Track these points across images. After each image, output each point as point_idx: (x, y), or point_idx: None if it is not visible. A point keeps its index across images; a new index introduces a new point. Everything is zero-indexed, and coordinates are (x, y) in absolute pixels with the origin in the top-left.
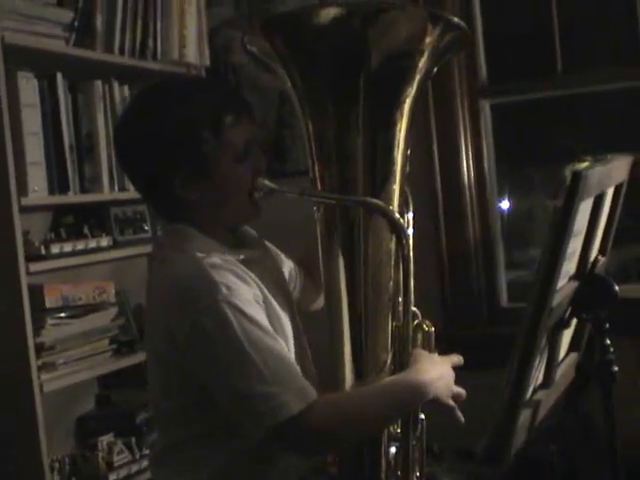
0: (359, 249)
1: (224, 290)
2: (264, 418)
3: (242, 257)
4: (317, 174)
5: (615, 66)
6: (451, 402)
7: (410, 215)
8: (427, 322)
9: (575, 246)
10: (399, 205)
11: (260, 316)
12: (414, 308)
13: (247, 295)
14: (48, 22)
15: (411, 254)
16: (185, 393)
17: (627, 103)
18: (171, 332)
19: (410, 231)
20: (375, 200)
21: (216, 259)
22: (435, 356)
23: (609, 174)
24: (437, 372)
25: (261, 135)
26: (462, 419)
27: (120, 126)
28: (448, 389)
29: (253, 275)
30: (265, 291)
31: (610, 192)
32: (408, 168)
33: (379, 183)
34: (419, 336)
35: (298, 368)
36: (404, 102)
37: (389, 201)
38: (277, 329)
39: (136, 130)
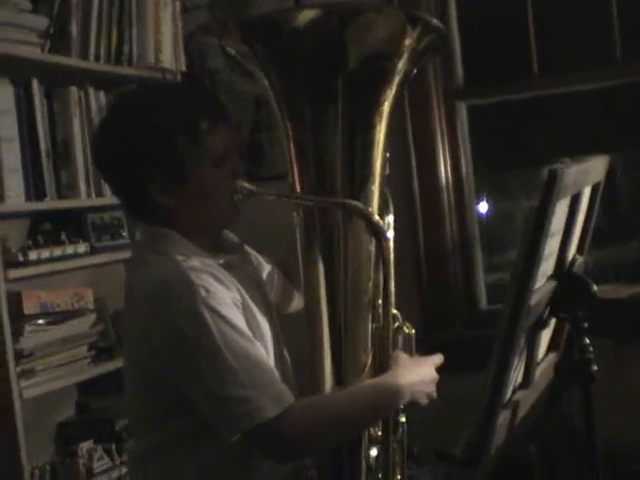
0: (339, 252)
1: (203, 293)
2: (240, 421)
3: (222, 261)
4: (296, 176)
5: (591, 67)
6: (426, 402)
7: (391, 218)
8: (408, 324)
9: (552, 246)
10: (378, 207)
11: (238, 319)
12: (395, 310)
13: (226, 298)
14: (23, 29)
15: (391, 257)
16: (163, 395)
17: (603, 104)
18: (148, 334)
19: (390, 234)
20: (354, 202)
21: (196, 262)
22: (416, 358)
23: (586, 173)
24: (416, 375)
25: (238, 139)
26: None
27: (97, 134)
28: (427, 391)
29: (233, 279)
30: (245, 295)
31: (587, 192)
32: (388, 170)
33: (358, 185)
34: (400, 339)
35: (276, 372)
36: (383, 104)
37: (368, 203)
38: (256, 333)
39: (113, 138)
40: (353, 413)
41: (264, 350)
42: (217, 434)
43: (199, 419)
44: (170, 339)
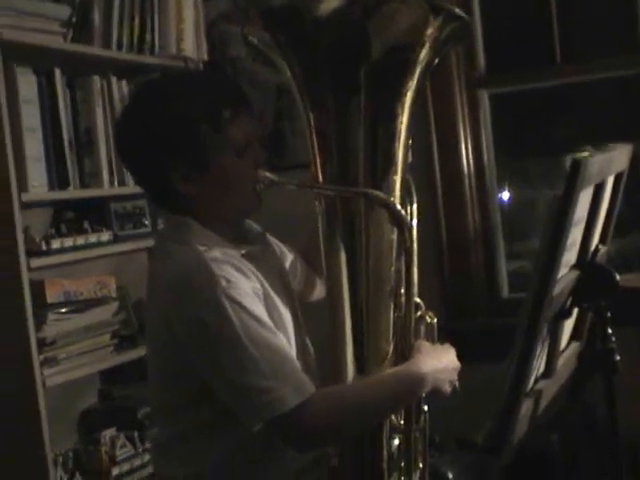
0: (360, 240)
1: (224, 283)
2: (261, 411)
3: (243, 252)
4: (319, 166)
5: (614, 54)
6: (449, 390)
7: (414, 206)
8: (430, 313)
9: (575, 235)
10: (401, 196)
11: (259, 309)
12: (418, 299)
13: (247, 288)
14: (46, 18)
15: (415, 245)
16: (184, 384)
17: (627, 92)
18: (171, 324)
19: (414, 222)
20: (376, 192)
21: (217, 252)
22: (439, 346)
23: (609, 163)
24: (439, 362)
25: (260, 128)
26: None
27: (120, 122)
28: (450, 378)
29: (254, 269)
30: (266, 285)
31: (610, 181)
32: (410, 158)
33: (380, 175)
34: (422, 328)
35: (297, 362)
36: (405, 94)
37: (390, 192)
38: (277, 323)
39: (135, 126)
40: (375, 402)
41: (286, 340)
42: (238, 423)
43: (221, 408)
44: (192, 329)
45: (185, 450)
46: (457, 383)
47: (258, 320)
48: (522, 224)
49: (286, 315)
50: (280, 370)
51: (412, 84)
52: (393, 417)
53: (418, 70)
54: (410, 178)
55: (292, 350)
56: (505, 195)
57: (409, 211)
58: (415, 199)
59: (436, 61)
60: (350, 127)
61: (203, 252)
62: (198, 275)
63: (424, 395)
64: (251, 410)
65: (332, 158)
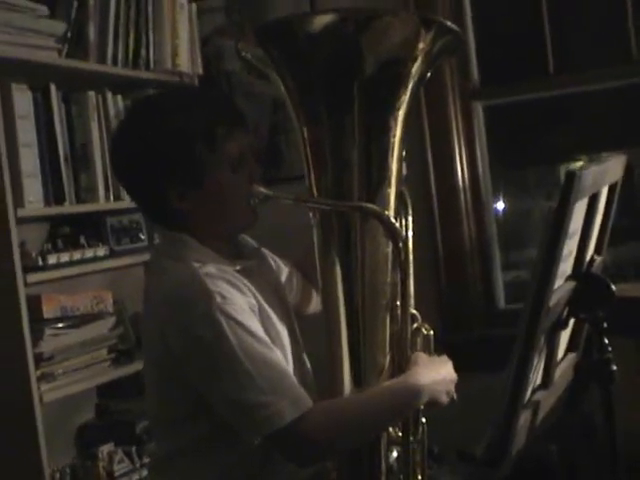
0: (356, 254)
1: (219, 299)
2: (260, 426)
3: (239, 267)
4: (313, 179)
5: (606, 65)
6: (446, 402)
7: (410, 218)
8: (426, 325)
9: (571, 246)
10: (395, 209)
11: (255, 325)
12: (414, 311)
13: (242, 304)
14: (41, 34)
15: (410, 257)
16: (181, 399)
17: (619, 102)
18: (166, 340)
19: (409, 234)
20: (371, 205)
21: (212, 268)
22: (436, 358)
23: (603, 174)
24: (436, 374)
25: (254, 143)
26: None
27: (115, 139)
28: (447, 390)
29: (249, 285)
30: (261, 301)
31: (604, 192)
32: (405, 170)
33: (374, 188)
34: (418, 339)
35: (293, 377)
36: (398, 108)
37: (385, 205)
38: (273, 338)
39: (130, 143)
40: (373, 414)
41: (282, 355)
42: (236, 438)
43: (218, 423)
44: (187, 345)
45: (183, 465)
46: (455, 394)
47: (254, 336)
48: (518, 233)
49: (282, 330)
50: (277, 385)
51: (405, 97)
52: (391, 429)
53: (411, 83)
54: (405, 190)
55: (289, 365)
56: (500, 205)
57: (404, 223)
58: (410, 211)
59: (429, 74)
60: (344, 141)
61: (197, 268)
62: (193, 291)
63: (422, 407)
64: (250, 425)
65: (326, 172)
